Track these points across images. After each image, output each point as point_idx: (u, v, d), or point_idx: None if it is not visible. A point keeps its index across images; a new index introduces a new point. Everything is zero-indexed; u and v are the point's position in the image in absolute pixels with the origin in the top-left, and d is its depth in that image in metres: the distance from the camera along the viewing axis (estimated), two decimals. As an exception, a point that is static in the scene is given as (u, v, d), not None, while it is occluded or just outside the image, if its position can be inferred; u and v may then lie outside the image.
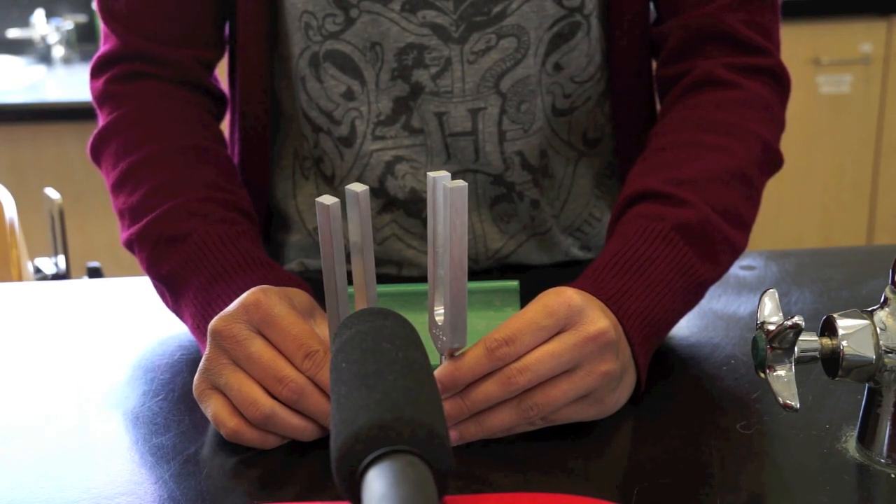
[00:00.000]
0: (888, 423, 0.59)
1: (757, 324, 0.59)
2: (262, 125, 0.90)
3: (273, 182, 0.95)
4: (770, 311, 0.59)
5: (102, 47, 0.87)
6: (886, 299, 0.58)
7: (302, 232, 0.94)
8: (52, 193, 1.65)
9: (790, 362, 0.58)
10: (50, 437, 0.66)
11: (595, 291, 0.67)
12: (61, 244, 1.64)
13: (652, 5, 0.87)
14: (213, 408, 0.63)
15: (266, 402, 0.60)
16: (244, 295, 0.63)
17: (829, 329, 0.59)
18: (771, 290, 0.60)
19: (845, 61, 2.59)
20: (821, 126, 2.63)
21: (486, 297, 0.78)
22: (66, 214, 1.65)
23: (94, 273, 1.67)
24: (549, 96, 0.87)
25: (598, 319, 0.61)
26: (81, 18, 2.82)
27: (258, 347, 0.61)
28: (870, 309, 0.58)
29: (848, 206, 2.72)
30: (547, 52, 0.85)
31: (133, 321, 0.85)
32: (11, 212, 1.46)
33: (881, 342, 0.57)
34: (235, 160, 0.92)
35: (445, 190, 0.53)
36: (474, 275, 0.90)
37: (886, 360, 0.57)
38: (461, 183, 0.53)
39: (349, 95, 0.85)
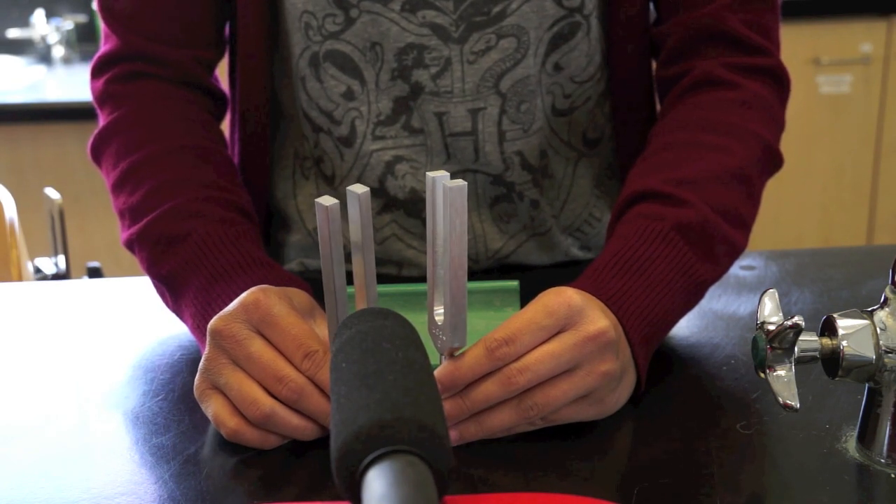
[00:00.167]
0: (888, 423, 0.59)
1: (757, 324, 0.59)
2: (262, 125, 0.90)
3: (273, 182, 0.95)
4: (770, 311, 0.59)
5: (103, 47, 0.87)
6: (886, 299, 0.58)
7: (302, 232, 0.94)
8: (52, 193, 1.65)
9: (790, 362, 0.58)
10: (50, 437, 0.66)
11: (595, 291, 0.67)
12: (61, 244, 1.64)
13: (652, 5, 0.87)
14: (213, 408, 0.63)
15: (266, 402, 0.60)
16: (244, 294, 0.63)
17: (829, 329, 0.59)
18: (771, 290, 0.60)
19: (845, 61, 2.59)
20: (821, 126, 2.63)
21: (486, 297, 0.78)
22: (66, 214, 1.65)
23: (94, 273, 1.67)
24: (548, 96, 0.87)
25: (597, 319, 0.61)
26: (81, 18, 2.82)
27: (258, 347, 0.61)
28: (870, 309, 0.58)
29: (848, 206, 2.72)
30: (547, 53, 0.85)
31: (133, 321, 0.85)
32: (11, 212, 1.46)
33: (881, 342, 0.57)
34: (236, 160, 0.92)
35: (445, 189, 0.53)
36: (474, 275, 0.90)
37: (886, 360, 0.57)
38: (461, 182, 0.53)
39: (349, 95, 0.85)
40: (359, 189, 0.55)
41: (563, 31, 0.84)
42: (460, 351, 0.59)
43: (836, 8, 2.56)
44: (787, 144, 0.83)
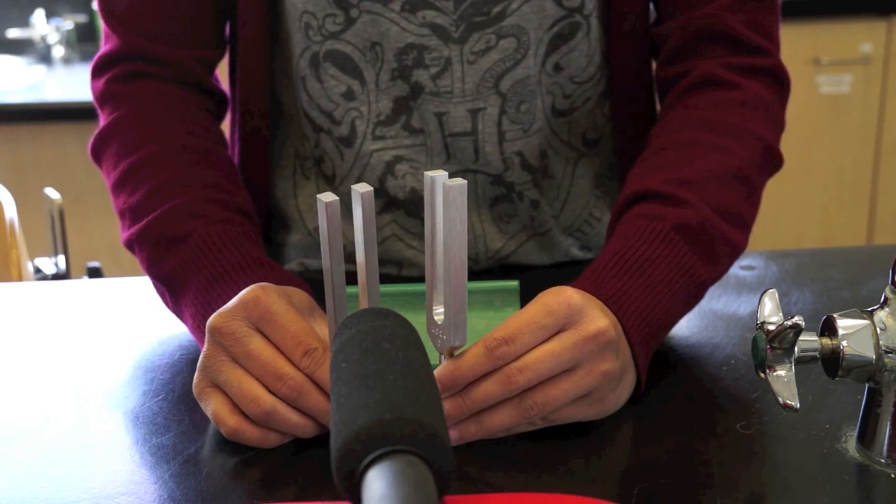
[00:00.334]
0: (888, 423, 0.59)
1: (757, 324, 0.59)
2: (262, 125, 0.90)
3: (273, 182, 0.95)
4: (770, 311, 0.59)
5: (103, 47, 0.87)
6: (886, 299, 0.58)
7: (302, 232, 0.95)
8: (52, 193, 1.65)
9: (790, 362, 0.58)
10: (50, 437, 0.66)
11: (595, 291, 0.67)
12: (61, 244, 1.64)
13: (652, 5, 0.87)
14: (213, 406, 0.63)
15: (267, 399, 0.60)
16: (243, 292, 0.63)
17: (829, 329, 0.59)
18: (771, 290, 0.60)
19: (845, 61, 2.59)
20: (821, 126, 2.63)
21: (486, 297, 0.78)
22: (66, 214, 1.65)
23: (94, 273, 1.67)
24: (548, 97, 0.87)
25: (597, 319, 0.61)
26: (81, 18, 2.82)
27: (257, 345, 0.61)
28: (870, 309, 0.58)
29: (848, 206, 2.72)
30: (547, 53, 0.85)
31: (133, 321, 0.85)
32: (11, 212, 1.46)
33: (881, 342, 0.57)
34: (236, 160, 0.92)
35: (446, 187, 0.53)
36: (474, 275, 0.90)
37: (886, 360, 0.57)
38: (461, 181, 0.53)
39: (349, 95, 0.85)
40: (362, 188, 0.55)
41: (563, 31, 0.84)
42: (460, 350, 0.59)
43: (836, 8, 2.56)
44: (787, 144, 0.83)
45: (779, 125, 0.84)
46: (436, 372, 0.59)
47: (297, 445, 0.63)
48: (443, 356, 0.60)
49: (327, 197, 0.56)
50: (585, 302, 0.62)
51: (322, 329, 0.66)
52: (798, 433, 0.63)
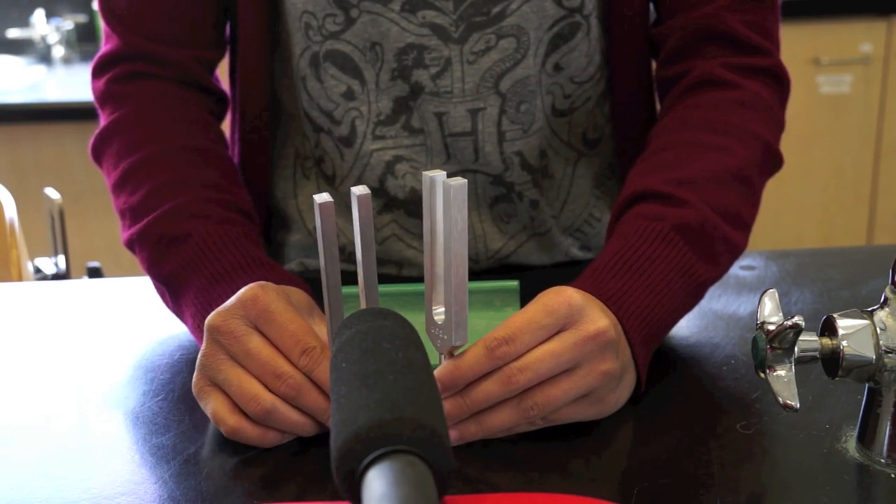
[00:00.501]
0: (888, 423, 0.59)
1: (757, 324, 0.59)
2: (262, 125, 0.90)
3: (273, 182, 0.95)
4: (770, 311, 0.59)
5: (104, 47, 0.87)
6: (886, 299, 0.58)
7: (302, 232, 0.95)
8: (52, 193, 1.65)
9: (790, 362, 0.58)
10: (50, 437, 0.66)
11: (595, 291, 0.67)
12: (61, 244, 1.64)
13: (652, 6, 0.87)
14: (212, 405, 0.63)
15: (266, 398, 0.60)
16: (241, 291, 0.63)
17: (829, 329, 0.59)
18: (771, 290, 0.60)
19: (845, 61, 2.59)
20: (821, 126, 2.63)
21: (486, 297, 0.78)
22: (66, 214, 1.65)
23: (94, 273, 1.67)
24: (548, 97, 0.87)
25: (598, 318, 0.61)
26: (81, 18, 2.82)
27: (256, 343, 0.61)
28: (870, 309, 0.58)
29: (848, 206, 2.72)
30: (547, 53, 0.85)
31: (133, 321, 0.85)
32: (11, 212, 1.46)
33: (881, 342, 0.57)
34: (236, 160, 0.92)
35: (447, 187, 0.53)
36: (474, 275, 0.90)
37: (886, 360, 0.57)
38: (461, 180, 0.53)
39: (349, 95, 0.85)
40: (359, 190, 0.55)
41: (563, 31, 0.84)
42: (460, 350, 0.59)
43: (836, 8, 2.56)
44: (787, 144, 0.83)
45: (779, 125, 0.84)
46: (436, 372, 0.59)
47: (296, 445, 0.63)
48: (443, 356, 0.60)
49: (322, 197, 0.56)
50: (586, 302, 0.62)
51: (321, 329, 0.66)
52: (798, 433, 0.63)
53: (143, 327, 0.84)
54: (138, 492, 0.58)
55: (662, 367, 0.73)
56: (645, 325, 0.67)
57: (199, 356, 0.63)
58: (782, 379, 0.58)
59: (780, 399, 0.58)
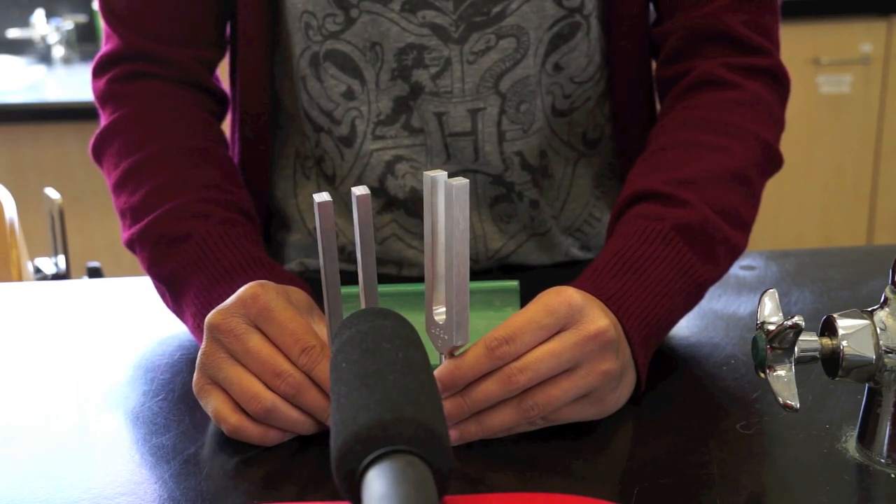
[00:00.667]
0: (888, 423, 0.59)
1: (757, 324, 0.59)
2: (262, 125, 0.90)
3: (273, 182, 0.95)
4: (770, 311, 0.59)
5: (104, 47, 0.87)
6: (886, 299, 0.58)
7: (302, 231, 0.95)
8: (52, 193, 1.65)
9: (790, 362, 0.58)
10: (50, 437, 0.66)
11: (595, 291, 0.67)
12: (61, 244, 1.64)
13: (652, 5, 0.87)
14: (213, 404, 0.63)
15: (267, 396, 0.61)
16: (242, 289, 0.63)
17: (829, 329, 0.59)
18: (771, 290, 0.60)
19: (845, 61, 2.59)
20: (821, 126, 2.63)
21: (486, 297, 0.78)
22: (66, 214, 1.65)
23: (94, 273, 1.67)
24: (548, 97, 0.87)
25: (598, 318, 0.61)
26: (81, 18, 2.82)
27: (256, 342, 0.61)
28: (870, 309, 0.58)
29: (848, 206, 2.72)
30: (546, 53, 0.85)
31: (133, 321, 0.85)
32: (11, 212, 1.46)
33: (881, 342, 0.57)
34: (236, 160, 0.92)
35: (449, 187, 0.53)
36: (474, 275, 0.90)
37: (886, 360, 0.57)
38: (463, 180, 0.53)
39: (349, 95, 0.85)
40: (359, 190, 0.56)
41: (563, 31, 0.84)
42: (460, 350, 0.59)
43: (836, 8, 2.56)
44: (787, 144, 0.83)
45: (779, 125, 0.84)
46: (436, 372, 0.59)
47: (296, 445, 0.63)
48: (443, 356, 0.60)
49: (321, 197, 0.56)
50: (586, 302, 0.62)
51: (321, 329, 0.66)
52: (798, 433, 0.63)
53: (143, 327, 0.84)
54: (138, 492, 0.58)
55: (662, 367, 0.73)
56: (645, 325, 0.67)
57: (199, 355, 0.63)
58: (782, 379, 0.58)
59: (780, 399, 0.58)
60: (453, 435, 0.61)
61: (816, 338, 0.58)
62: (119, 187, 0.81)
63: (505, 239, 0.92)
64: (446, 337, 0.58)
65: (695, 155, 0.78)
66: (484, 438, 0.62)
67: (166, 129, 0.83)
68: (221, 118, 0.91)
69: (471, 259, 0.91)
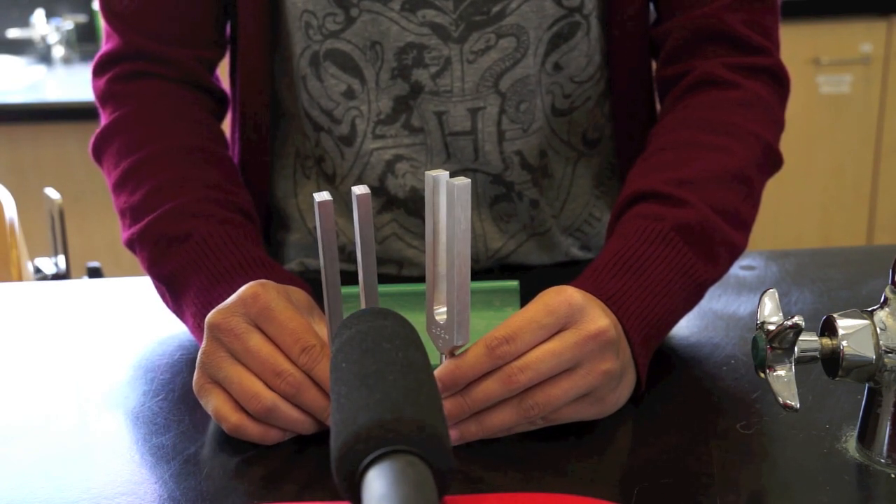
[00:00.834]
0: (888, 423, 0.59)
1: (757, 324, 0.59)
2: (262, 124, 0.90)
3: (274, 181, 0.95)
4: (770, 311, 0.59)
5: (105, 46, 0.87)
6: (886, 299, 0.58)
7: (302, 231, 0.95)
8: (52, 193, 1.65)
9: (790, 362, 0.58)
10: (50, 437, 0.66)
11: (595, 291, 0.67)
12: (61, 244, 1.64)
13: (652, 5, 0.87)
14: (214, 403, 0.63)
15: (267, 395, 0.61)
16: (242, 289, 0.63)
17: (829, 329, 0.59)
18: (771, 290, 0.60)
19: (845, 61, 2.59)
20: (821, 126, 2.63)
21: (486, 297, 0.78)
22: (66, 214, 1.65)
23: (94, 273, 1.67)
24: (548, 96, 0.87)
25: (598, 318, 0.61)
26: (81, 18, 2.82)
27: (256, 341, 0.61)
28: (870, 309, 0.58)
29: (848, 206, 2.72)
30: (546, 52, 0.85)
31: (133, 321, 0.85)
32: (11, 212, 1.46)
33: (881, 342, 0.57)
34: (236, 160, 0.92)
35: (450, 186, 0.53)
36: (474, 274, 0.90)
37: (886, 360, 0.57)
38: (465, 180, 0.53)
39: (349, 94, 0.85)
40: (359, 189, 0.56)
41: (563, 30, 0.84)
42: (461, 350, 0.59)
43: (836, 8, 2.56)
44: (787, 144, 0.83)
45: (778, 125, 0.84)
46: (436, 371, 0.59)
47: (296, 445, 0.63)
48: (444, 356, 0.60)
49: (321, 196, 0.56)
50: (586, 301, 0.62)
51: (321, 328, 0.66)
52: (798, 433, 0.63)
53: (143, 327, 0.84)
54: (138, 492, 0.58)
55: (662, 367, 0.73)
56: (645, 325, 0.67)
57: (199, 354, 0.63)
58: (782, 379, 0.58)
59: (780, 399, 0.58)
60: (453, 435, 0.61)
61: (816, 338, 0.58)
62: (119, 187, 0.81)
63: (505, 238, 0.92)
64: (447, 336, 0.58)
65: (695, 155, 0.78)
66: (484, 438, 0.62)
67: (166, 129, 0.83)
68: (221, 118, 0.91)
69: (471, 259, 0.91)
